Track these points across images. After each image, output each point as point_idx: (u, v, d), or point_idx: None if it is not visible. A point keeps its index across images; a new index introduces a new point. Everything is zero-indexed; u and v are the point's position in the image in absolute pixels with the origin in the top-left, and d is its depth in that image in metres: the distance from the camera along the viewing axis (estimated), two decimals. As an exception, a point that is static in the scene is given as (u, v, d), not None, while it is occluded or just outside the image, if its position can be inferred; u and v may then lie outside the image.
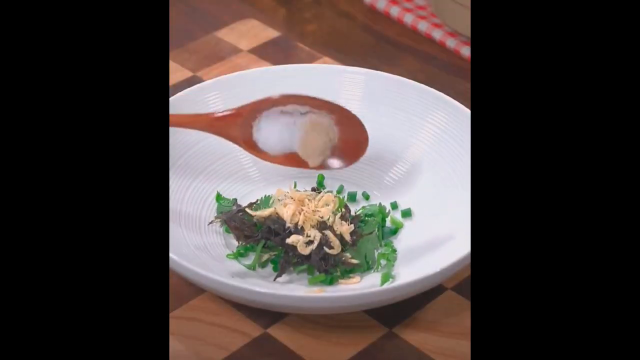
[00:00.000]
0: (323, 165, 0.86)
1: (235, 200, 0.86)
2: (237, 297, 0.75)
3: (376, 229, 0.83)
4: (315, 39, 1.09)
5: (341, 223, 0.81)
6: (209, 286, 0.75)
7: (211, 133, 0.86)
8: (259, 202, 0.85)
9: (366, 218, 0.85)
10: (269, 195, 0.86)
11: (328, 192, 0.85)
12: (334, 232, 0.81)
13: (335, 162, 0.86)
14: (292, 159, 0.86)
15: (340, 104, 0.86)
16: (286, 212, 0.81)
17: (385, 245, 0.83)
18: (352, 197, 0.88)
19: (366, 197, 0.88)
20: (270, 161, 0.86)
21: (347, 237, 0.81)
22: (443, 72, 1.04)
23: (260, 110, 0.85)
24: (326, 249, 0.80)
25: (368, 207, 0.86)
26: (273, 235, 0.82)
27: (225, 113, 0.85)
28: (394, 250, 0.83)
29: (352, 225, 0.82)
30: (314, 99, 0.85)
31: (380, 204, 0.86)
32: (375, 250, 0.82)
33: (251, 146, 0.86)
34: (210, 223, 0.84)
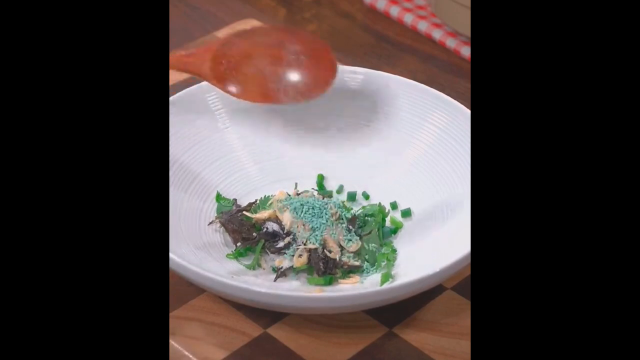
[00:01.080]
0: (297, 97, 0.86)
1: (235, 200, 0.86)
2: (237, 297, 0.75)
3: (376, 229, 0.83)
4: (315, 38, 1.09)
5: (346, 238, 0.82)
6: (209, 286, 0.75)
7: (182, 71, 0.87)
8: (258, 202, 0.85)
9: (366, 218, 0.85)
10: (268, 196, 0.86)
11: (328, 195, 0.85)
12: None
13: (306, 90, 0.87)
14: (266, 95, 0.86)
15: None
16: (286, 217, 0.81)
17: (385, 245, 0.83)
18: (352, 197, 0.88)
19: (366, 197, 0.88)
20: (244, 99, 0.86)
21: (350, 249, 0.81)
22: (443, 72, 1.04)
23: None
24: (326, 252, 0.80)
25: (368, 207, 0.86)
26: (271, 237, 0.82)
27: (193, 50, 0.86)
28: (394, 250, 0.83)
29: (360, 242, 0.82)
30: (278, 30, 0.86)
31: (380, 203, 0.86)
32: (375, 250, 0.82)
33: (222, 82, 0.86)
34: (210, 223, 0.84)
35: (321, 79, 0.87)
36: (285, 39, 0.87)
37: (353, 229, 0.83)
